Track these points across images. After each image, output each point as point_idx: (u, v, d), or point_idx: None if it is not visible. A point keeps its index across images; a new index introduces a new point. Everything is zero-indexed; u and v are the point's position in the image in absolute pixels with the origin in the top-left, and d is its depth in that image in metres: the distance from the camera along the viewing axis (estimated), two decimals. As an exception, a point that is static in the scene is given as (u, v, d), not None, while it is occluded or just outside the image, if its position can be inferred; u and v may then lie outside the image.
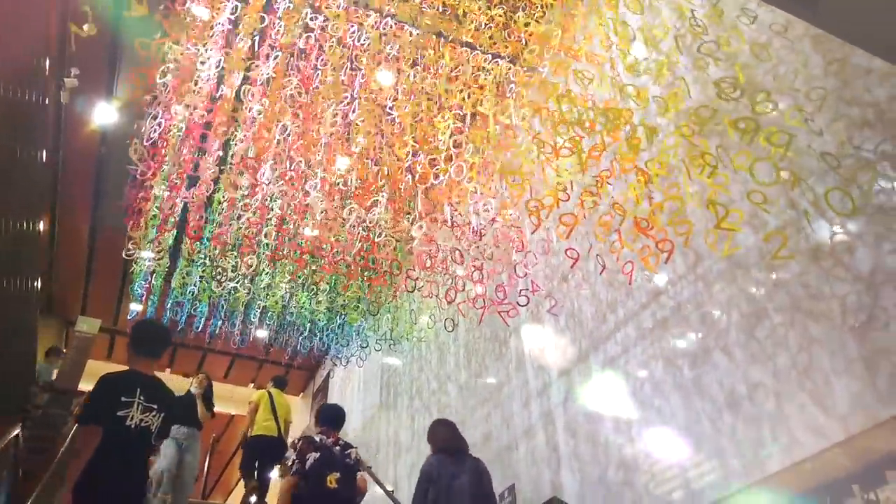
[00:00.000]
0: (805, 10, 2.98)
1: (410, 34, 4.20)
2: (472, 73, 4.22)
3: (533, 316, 5.79)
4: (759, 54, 3.75)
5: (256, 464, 7.61)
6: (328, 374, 12.61)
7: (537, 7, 4.74)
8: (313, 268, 5.94)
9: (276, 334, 8.70)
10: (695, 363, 3.88)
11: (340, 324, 8.02)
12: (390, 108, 4.10)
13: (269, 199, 4.90)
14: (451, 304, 5.31)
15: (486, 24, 4.40)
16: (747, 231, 3.67)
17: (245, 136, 4.10)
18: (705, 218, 3.66)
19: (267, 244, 5.53)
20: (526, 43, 4.56)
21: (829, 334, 3.12)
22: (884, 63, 3.13)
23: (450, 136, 3.99)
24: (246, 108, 4.49)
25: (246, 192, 4.72)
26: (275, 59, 4.47)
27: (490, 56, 4.58)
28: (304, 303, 7.17)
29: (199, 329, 8.39)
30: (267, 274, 6.75)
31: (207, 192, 5.14)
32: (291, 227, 5.22)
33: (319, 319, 7.82)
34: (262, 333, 9.85)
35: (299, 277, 6.37)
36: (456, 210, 4.80)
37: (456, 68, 4.21)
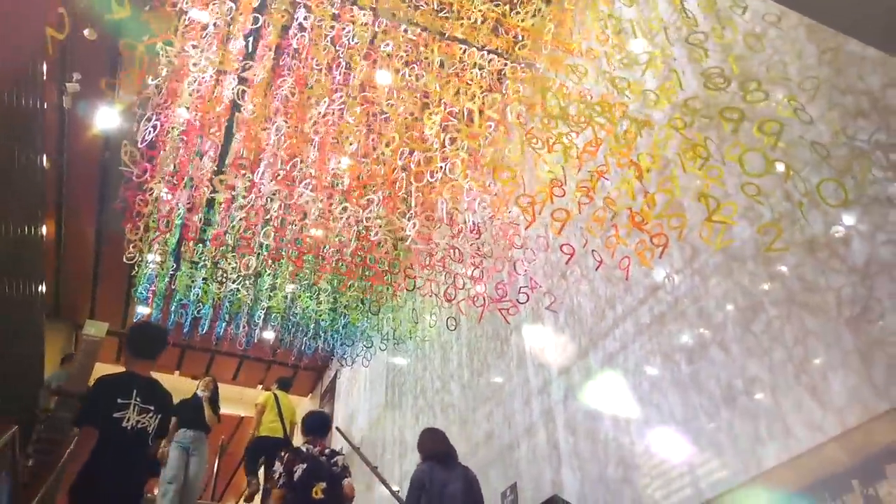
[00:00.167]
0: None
1: (405, 32, 4.18)
2: (465, 68, 4.20)
3: (533, 313, 5.76)
4: (753, 45, 3.71)
5: (262, 465, 7.65)
6: (335, 375, 12.63)
7: (532, 3, 4.71)
8: (310, 267, 5.94)
9: (281, 335, 8.72)
10: (692, 358, 3.84)
11: (344, 324, 8.03)
12: (385, 106, 4.09)
13: (266, 199, 4.91)
14: (451, 302, 5.30)
15: (479, 21, 4.38)
16: (743, 224, 3.63)
17: (240, 136, 4.11)
18: (701, 211, 3.62)
19: (265, 245, 5.53)
20: (522, 38, 4.53)
21: (824, 327, 3.08)
22: (878, 51, 3.08)
23: (440, 131, 3.98)
24: (244, 109, 4.50)
25: (240, 193, 4.73)
26: (270, 59, 4.48)
27: (486, 52, 4.55)
28: (306, 303, 7.19)
29: (205, 331, 8.44)
30: (269, 275, 6.76)
31: (207, 193, 5.16)
32: (288, 227, 5.22)
33: (323, 320, 7.83)
34: (268, 335, 9.90)
35: (299, 277, 6.38)
36: (454, 208, 4.79)
37: (451, 65, 4.20)
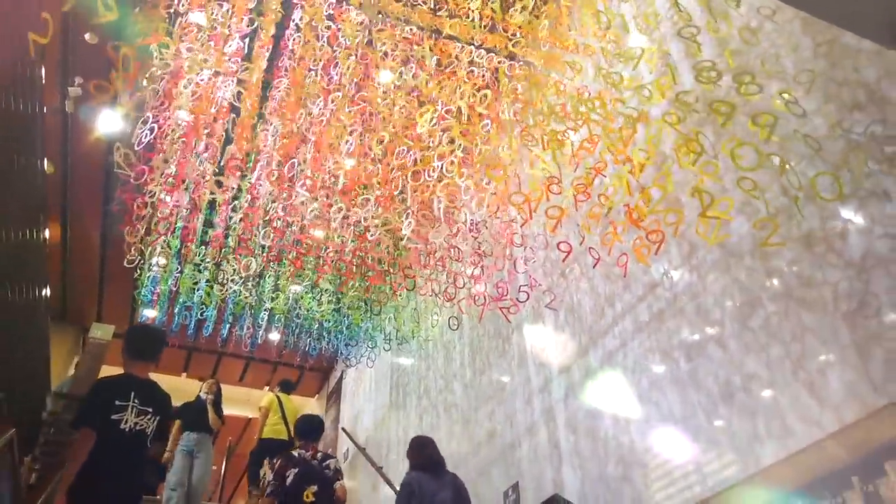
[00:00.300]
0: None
1: (392, 27, 4.17)
2: (459, 66, 4.19)
3: (534, 312, 5.74)
4: (749, 39, 3.68)
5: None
6: (341, 376, 12.64)
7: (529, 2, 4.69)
8: (310, 268, 5.94)
9: (286, 336, 8.74)
10: (690, 356, 3.81)
11: (348, 325, 8.03)
12: (379, 106, 4.08)
13: (262, 200, 4.91)
14: (451, 301, 5.29)
15: (473, 18, 4.36)
16: (740, 220, 3.59)
17: (234, 136, 4.12)
18: (698, 207, 3.59)
19: (265, 246, 5.54)
20: (517, 35, 4.51)
21: (821, 322, 3.04)
22: (873, 43, 3.04)
23: (434, 130, 3.96)
24: (242, 109, 4.51)
25: (236, 194, 4.74)
26: (265, 59, 4.48)
27: (476, 48, 4.53)
28: (309, 304, 7.19)
29: (209, 333, 8.46)
30: (270, 276, 6.77)
31: (207, 194, 5.17)
32: (285, 227, 5.22)
33: (327, 321, 7.83)
34: (274, 336, 9.91)
35: (300, 278, 6.38)
36: (452, 207, 4.77)
37: (446, 64, 4.19)
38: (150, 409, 3.96)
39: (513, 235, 4.94)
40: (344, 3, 4.03)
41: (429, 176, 4.26)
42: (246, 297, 6.64)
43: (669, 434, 3.87)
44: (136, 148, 4.20)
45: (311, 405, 14.23)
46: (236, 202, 5.06)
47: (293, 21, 4.38)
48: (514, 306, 5.11)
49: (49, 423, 7.57)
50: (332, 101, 3.93)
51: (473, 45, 4.35)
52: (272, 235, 5.09)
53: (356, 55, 4.21)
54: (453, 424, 6.95)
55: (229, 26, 4.26)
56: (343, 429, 11.04)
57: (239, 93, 4.33)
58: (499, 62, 4.67)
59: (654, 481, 3.89)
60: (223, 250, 6.11)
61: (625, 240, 4.09)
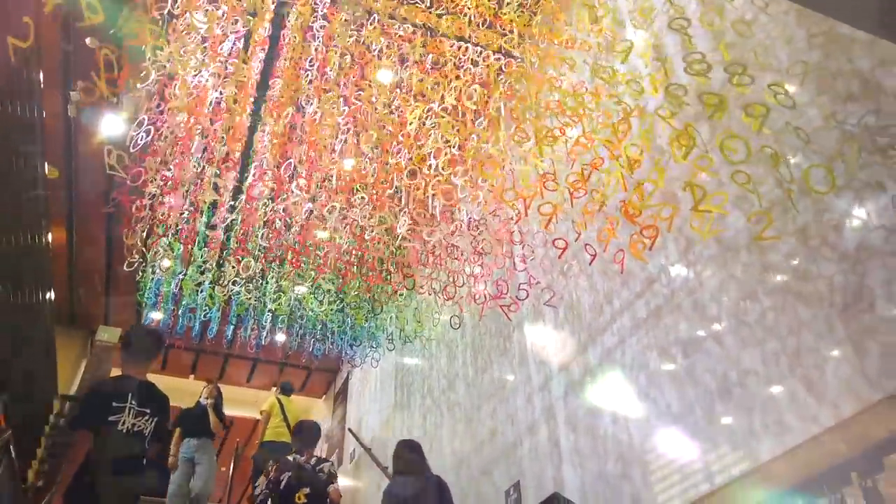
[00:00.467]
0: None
1: (392, 26, 4.16)
2: (448, 62, 4.17)
3: (534, 310, 5.71)
4: (743, 31, 3.64)
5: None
6: (347, 377, 12.65)
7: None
8: (309, 268, 5.94)
9: (289, 337, 8.74)
10: (688, 352, 3.78)
11: (351, 325, 8.03)
12: (369, 103, 4.08)
13: (259, 200, 4.92)
14: (451, 300, 5.27)
15: (466, 15, 4.35)
16: (736, 214, 3.56)
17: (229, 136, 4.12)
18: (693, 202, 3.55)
19: (262, 247, 5.54)
20: (510, 31, 4.49)
21: (817, 316, 3.00)
22: (867, 33, 3.00)
23: (422, 124, 3.95)
24: (234, 112, 4.51)
25: (234, 194, 4.75)
26: (260, 59, 4.48)
27: (477, 47, 4.52)
28: (310, 303, 7.19)
29: (214, 335, 8.49)
30: (272, 277, 6.77)
31: (209, 195, 5.18)
32: (283, 228, 5.23)
33: (331, 321, 7.83)
34: (280, 337, 9.93)
35: (301, 278, 6.38)
36: (447, 204, 4.76)
37: (436, 60, 4.17)
38: (148, 411, 3.97)
39: (511, 233, 4.92)
40: (332, 2, 4.02)
41: (423, 173, 4.25)
42: (247, 298, 6.65)
43: (667, 431, 3.84)
44: (131, 150, 4.21)
45: (318, 406, 14.25)
46: (234, 202, 5.07)
47: (286, 18, 4.37)
48: (514, 304, 5.08)
49: (56, 425, 7.64)
50: (326, 102, 3.92)
51: (464, 40, 4.34)
52: (269, 236, 5.10)
53: (350, 54, 4.21)
54: (456, 423, 6.94)
55: (223, 27, 4.27)
56: (349, 429, 11.05)
57: (233, 92, 4.33)
58: (496, 59, 4.66)
59: (653, 478, 3.86)
60: (224, 252, 6.12)
61: (621, 236, 4.06)
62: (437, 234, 4.45)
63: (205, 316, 7.50)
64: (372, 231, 4.65)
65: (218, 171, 4.52)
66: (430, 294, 5.55)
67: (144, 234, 5.47)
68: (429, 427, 7.70)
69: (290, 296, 6.82)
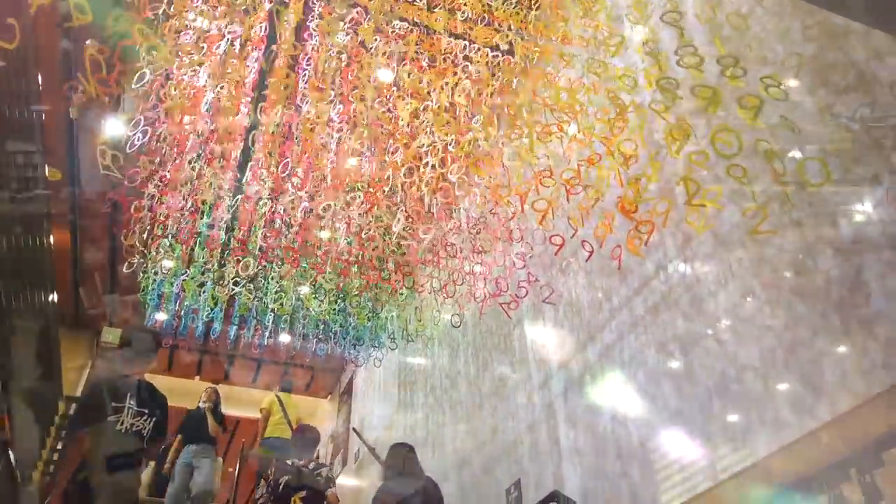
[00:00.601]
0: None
1: (385, 24, 4.15)
2: (445, 59, 4.16)
3: (534, 308, 5.69)
4: (739, 24, 3.61)
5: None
6: (352, 376, 12.66)
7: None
8: (305, 267, 5.94)
9: (292, 337, 8.74)
10: (685, 348, 3.76)
11: (353, 325, 8.02)
12: (365, 103, 4.07)
13: (256, 199, 4.92)
14: (451, 298, 5.26)
15: (462, 13, 4.34)
16: (732, 208, 3.53)
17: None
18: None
19: (261, 246, 5.54)
20: (507, 28, 4.48)
21: (813, 310, 2.98)
22: (862, 24, 2.97)
23: (415, 121, 3.94)
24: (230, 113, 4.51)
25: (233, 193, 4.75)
26: (257, 59, 4.48)
27: (457, 40, 4.49)
28: (312, 304, 7.19)
29: (217, 335, 8.48)
30: (273, 277, 6.77)
31: (210, 196, 5.19)
32: (282, 227, 5.23)
33: (334, 321, 7.82)
34: (284, 337, 9.92)
35: (301, 277, 6.38)
36: (446, 202, 4.75)
37: (431, 56, 4.16)
38: (147, 411, 3.98)
39: (510, 231, 4.90)
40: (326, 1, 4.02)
41: (420, 171, 4.24)
42: (249, 299, 6.65)
43: (666, 428, 3.82)
44: (128, 150, 4.21)
45: (323, 407, 14.24)
46: (231, 203, 5.07)
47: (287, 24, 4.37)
48: (514, 302, 5.07)
49: (61, 427, 7.67)
50: (320, 101, 3.92)
51: (458, 36, 4.31)
52: (267, 235, 5.10)
53: (346, 52, 4.20)
54: (458, 422, 6.93)
55: (220, 28, 4.27)
56: (353, 429, 11.05)
57: (229, 92, 4.33)
58: (493, 56, 4.64)
59: (652, 475, 3.84)
60: (225, 252, 6.12)
61: (618, 232, 4.04)
62: (434, 231, 4.43)
63: (207, 316, 7.50)
64: (369, 230, 4.64)
65: (219, 165, 4.51)
66: (430, 293, 5.54)
67: (144, 234, 5.48)
68: (431, 426, 7.69)
69: (290, 295, 6.82)
